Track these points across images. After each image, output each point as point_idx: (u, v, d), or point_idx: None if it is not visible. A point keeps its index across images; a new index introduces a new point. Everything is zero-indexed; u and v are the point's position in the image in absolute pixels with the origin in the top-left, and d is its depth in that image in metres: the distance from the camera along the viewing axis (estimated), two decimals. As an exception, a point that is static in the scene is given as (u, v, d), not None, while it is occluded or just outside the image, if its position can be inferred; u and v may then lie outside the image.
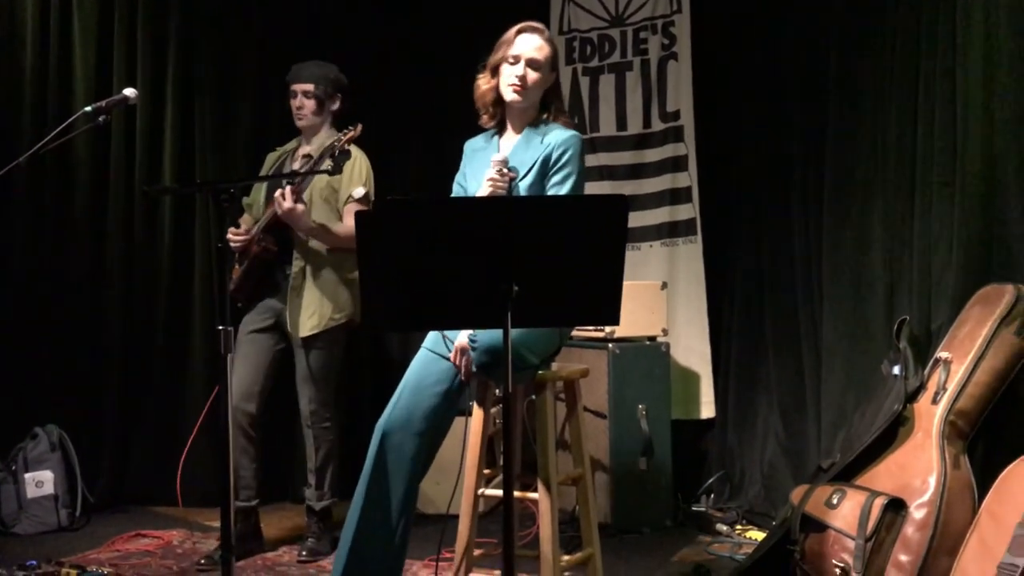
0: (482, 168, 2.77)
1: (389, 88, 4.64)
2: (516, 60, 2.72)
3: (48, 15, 4.02)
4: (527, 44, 2.73)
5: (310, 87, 3.59)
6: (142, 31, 4.22)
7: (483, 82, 2.80)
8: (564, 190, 2.68)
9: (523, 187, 2.71)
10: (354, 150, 3.51)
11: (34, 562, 3.16)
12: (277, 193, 3.36)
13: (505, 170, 2.71)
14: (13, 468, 3.84)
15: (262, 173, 3.78)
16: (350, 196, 3.53)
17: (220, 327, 2.36)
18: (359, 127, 3.31)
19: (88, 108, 2.80)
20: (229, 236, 3.50)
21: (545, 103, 2.81)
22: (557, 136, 2.72)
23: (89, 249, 4.17)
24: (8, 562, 3.22)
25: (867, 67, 3.58)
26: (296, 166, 3.56)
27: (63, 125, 2.83)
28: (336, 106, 3.64)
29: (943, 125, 3.25)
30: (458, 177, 2.90)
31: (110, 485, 4.17)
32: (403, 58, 4.69)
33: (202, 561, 3.41)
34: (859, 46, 3.62)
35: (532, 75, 2.72)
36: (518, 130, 2.81)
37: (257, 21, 4.48)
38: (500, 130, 2.85)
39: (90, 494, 3.98)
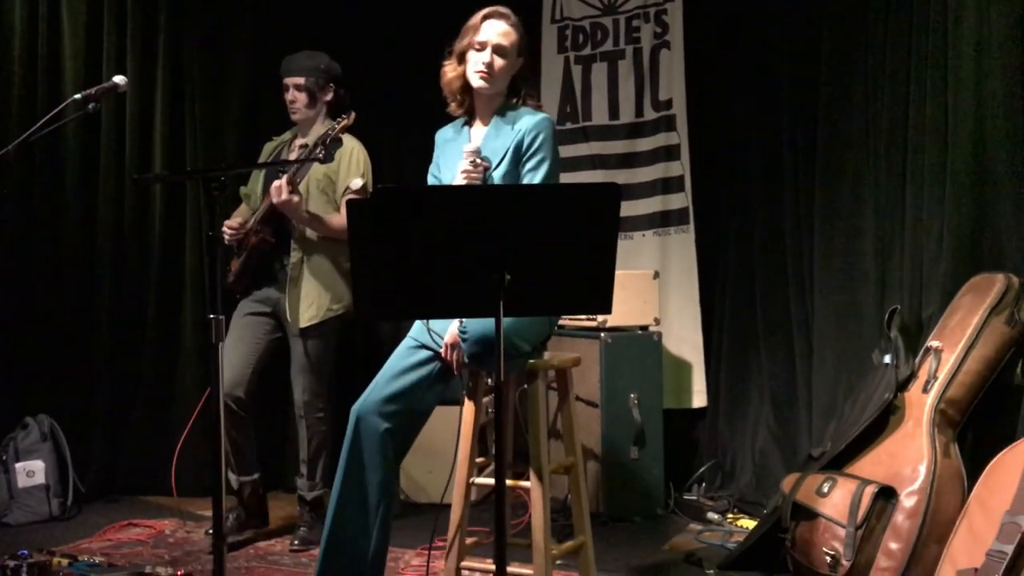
0: (454, 158, 2.74)
1: (386, 79, 4.60)
2: (482, 47, 2.69)
3: (37, 1, 3.99)
4: (493, 30, 2.70)
5: (300, 80, 3.56)
6: (132, 18, 4.19)
7: (449, 69, 2.77)
8: (539, 176, 2.66)
9: (497, 176, 2.69)
10: (352, 141, 3.50)
11: (25, 552, 3.14)
12: (274, 184, 3.35)
13: (478, 160, 2.68)
14: (4, 458, 3.83)
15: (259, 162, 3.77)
16: (348, 187, 3.51)
17: (211, 316, 2.35)
18: (352, 115, 3.29)
19: (77, 96, 2.77)
20: (224, 230, 3.50)
21: (514, 88, 2.78)
22: (527, 122, 2.70)
23: (79, 237, 4.15)
24: (-1, 552, 3.21)
25: (859, 56, 3.58)
26: (293, 157, 3.55)
27: (52, 113, 2.81)
28: (330, 96, 3.61)
29: (934, 114, 3.25)
30: (432, 168, 2.87)
31: (101, 475, 4.17)
32: (400, 48, 4.65)
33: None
34: (851, 35, 3.62)
35: (499, 62, 2.70)
36: (487, 117, 2.78)
37: (249, 8, 4.44)
38: (470, 118, 2.82)
39: (81, 484, 3.97)
